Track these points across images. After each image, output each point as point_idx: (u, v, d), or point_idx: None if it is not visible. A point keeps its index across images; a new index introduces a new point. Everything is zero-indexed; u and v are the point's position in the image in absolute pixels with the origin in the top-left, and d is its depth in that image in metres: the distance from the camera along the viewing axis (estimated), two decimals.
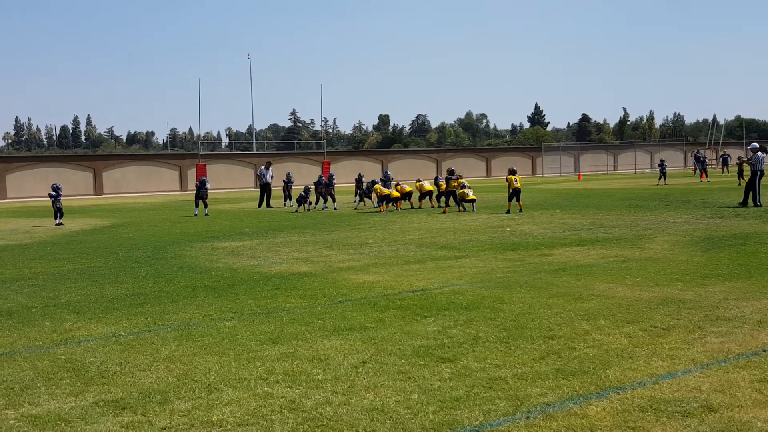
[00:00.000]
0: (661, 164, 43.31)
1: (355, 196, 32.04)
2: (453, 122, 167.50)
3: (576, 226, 18.83)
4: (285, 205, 31.77)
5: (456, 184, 26.04)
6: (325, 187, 29.67)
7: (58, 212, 25.26)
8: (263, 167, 33.91)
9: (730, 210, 22.15)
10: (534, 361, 6.58)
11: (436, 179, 29.33)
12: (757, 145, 25.72)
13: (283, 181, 32.95)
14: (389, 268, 12.63)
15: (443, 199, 26.89)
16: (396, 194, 27.50)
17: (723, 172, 54.80)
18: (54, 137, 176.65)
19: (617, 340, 7.23)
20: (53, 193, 25.36)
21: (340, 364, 6.69)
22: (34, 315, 9.50)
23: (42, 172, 53.99)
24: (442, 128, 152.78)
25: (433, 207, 28.14)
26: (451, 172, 27.46)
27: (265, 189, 32.77)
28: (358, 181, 32.75)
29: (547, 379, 6.06)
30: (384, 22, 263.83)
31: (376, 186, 28.07)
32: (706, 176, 44.94)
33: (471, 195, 25.46)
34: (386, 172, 31.58)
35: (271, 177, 33.24)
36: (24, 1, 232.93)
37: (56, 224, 24.81)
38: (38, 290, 11.47)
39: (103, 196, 55.06)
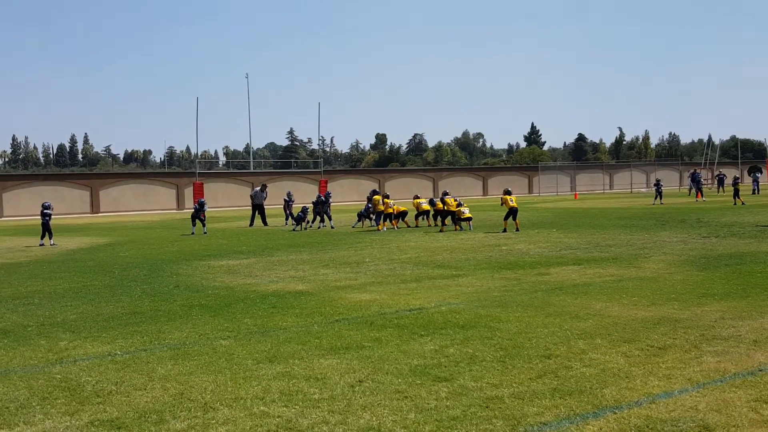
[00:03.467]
0: (657, 184, 43.46)
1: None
2: (450, 141, 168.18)
3: (572, 245, 18.86)
4: (286, 224, 31.75)
5: (451, 202, 26.12)
6: (320, 206, 29.74)
7: (47, 233, 24.49)
8: (258, 189, 34.02)
9: (725, 229, 22.20)
10: (531, 381, 6.58)
11: (431, 201, 29.43)
12: None
13: (284, 200, 32.99)
14: (386, 287, 12.62)
15: (440, 218, 26.99)
16: (398, 209, 27.68)
17: (718, 192, 54.97)
18: (51, 156, 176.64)
19: (614, 360, 7.23)
20: (48, 212, 24.86)
21: (336, 384, 6.68)
22: (30, 334, 9.48)
23: (39, 190, 53.97)
24: (438, 147, 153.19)
25: (429, 226, 28.18)
26: (444, 193, 27.72)
27: (256, 209, 32.93)
28: (370, 198, 32.86)
29: (543, 398, 6.06)
30: (381, 41, 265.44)
31: (376, 197, 28.20)
32: (702, 196, 45.08)
33: (467, 213, 25.57)
34: (387, 195, 31.92)
35: (264, 198, 33.38)
36: (21, 19, 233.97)
37: (40, 244, 24.17)
38: (34, 309, 11.44)
39: (100, 214, 55.02)
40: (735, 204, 36.28)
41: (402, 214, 28.67)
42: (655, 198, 42.44)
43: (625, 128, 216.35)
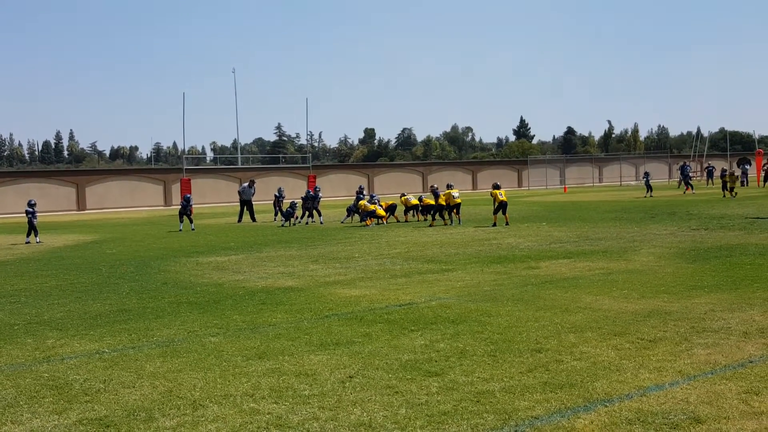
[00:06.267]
0: (646, 176, 43.47)
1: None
2: (439, 135, 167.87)
3: (562, 239, 18.89)
4: (275, 220, 31.70)
5: (444, 195, 26.13)
6: (309, 201, 29.70)
7: (33, 230, 24.25)
8: (246, 185, 33.94)
9: (715, 222, 22.29)
10: (521, 375, 6.57)
11: (420, 198, 29.45)
12: None
13: (275, 195, 32.89)
14: (376, 282, 12.59)
15: (430, 213, 26.97)
16: (381, 212, 27.53)
17: (708, 184, 55.19)
18: (36, 153, 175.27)
19: (604, 353, 7.23)
20: (30, 210, 24.64)
21: (326, 380, 6.65)
22: (17, 332, 9.39)
23: (24, 188, 53.53)
24: (427, 141, 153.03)
25: (418, 221, 28.17)
26: (434, 188, 27.76)
27: (245, 205, 32.85)
28: (359, 193, 32.94)
29: (534, 392, 6.04)
30: (369, 36, 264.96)
31: (361, 202, 28.24)
32: (691, 189, 45.23)
33: (457, 198, 25.66)
34: (372, 195, 32.03)
35: (253, 194, 33.30)
36: (5, 17, 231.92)
37: (26, 242, 23.99)
38: (20, 307, 11.34)
39: (87, 211, 54.68)
40: (724, 196, 36.44)
41: (392, 208, 28.67)
42: (647, 191, 42.32)
43: (614, 121, 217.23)
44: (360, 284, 12.45)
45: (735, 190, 36.65)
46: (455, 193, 25.90)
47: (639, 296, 10.28)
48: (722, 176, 38.79)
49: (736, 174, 39.36)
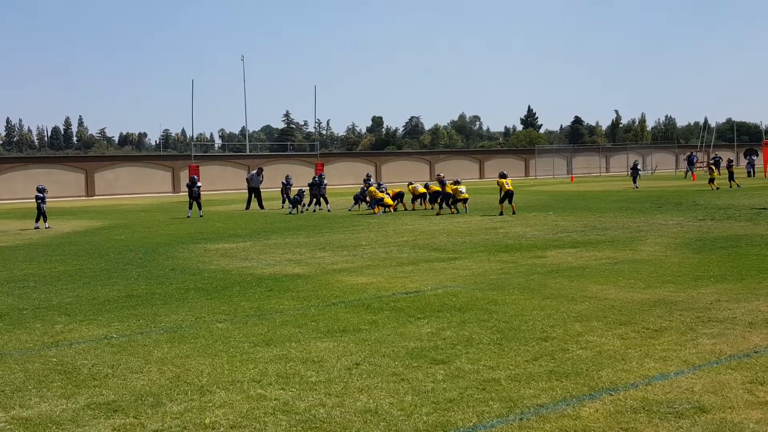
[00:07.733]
0: (635, 167, 43.00)
1: None
2: (446, 124, 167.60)
3: (569, 228, 18.87)
4: (283, 207, 31.75)
5: (451, 190, 26.09)
6: (316, 188, 29.76)
7: (42, 216, 24.36)
8: (254, 172, 33.99)
9: (721, 212, 22.23)
10: (527, 363, 6.59)
11: (426, 185, 29.44)
12: None
13: (282, 183, 32.92)
14: (383, 270, 12.62)
15: (438, 201, 26.93)
16: (389, 201, 27.48)
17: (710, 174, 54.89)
18: (45, 138, 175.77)
19: (610, 342, 7.25)
20: (40, 195, 24.72)
21: (333, 366, 6.68)
22: (25, 317, 9.46)
23: (33, 173, 53.71)
24: (435, 130, 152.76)
25: (426, 209, 28.17)
26: (440, 177, 27.70)
27: (252, 192, 32.91)
28: (366, 181, 33.02)
29: (540, 380, 6.07)
30: (377, 24, 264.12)
31: (371, 188, 28.23)
32: (694, 178, 45.01)
33: (464, 194, 25.59)
34: (380, 183, 32.09)
35: (260, 182, 33.37)
36: (15, 4, 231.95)
37: (35, 227, 24.11)
38: (29, 292, 11.41)
39: (95, 197, 54.85)
40: (731, 187, 36.29)
41: (399, 196, 28.65)
42: (634, 181, 41.78)
43: (622, 111, 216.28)
44: (367, 272, 12.48)
45: (715, 182, 36.06)
46: (462, 188, 25.77)
47: (645, 286, 10.28)
48: (728, 167, 38.65)
49: (712, 166, 38.90)
